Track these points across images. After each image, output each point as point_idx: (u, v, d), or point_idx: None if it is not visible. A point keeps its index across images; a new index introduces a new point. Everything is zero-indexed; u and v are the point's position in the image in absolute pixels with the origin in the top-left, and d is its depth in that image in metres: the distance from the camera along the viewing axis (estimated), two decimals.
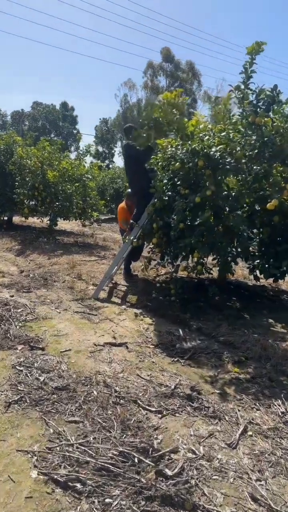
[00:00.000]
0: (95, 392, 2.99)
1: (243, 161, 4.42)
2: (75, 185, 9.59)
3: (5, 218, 12.01)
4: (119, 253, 5.48)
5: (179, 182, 4.92)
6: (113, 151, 47.75)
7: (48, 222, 10.09)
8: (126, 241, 5.30)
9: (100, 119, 50.30)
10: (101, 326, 4.41)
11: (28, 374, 3.22)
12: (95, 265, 7.13)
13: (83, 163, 10.04)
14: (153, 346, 3.94)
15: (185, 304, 5.01)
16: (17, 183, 9.85)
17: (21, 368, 3.32)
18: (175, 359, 3.69)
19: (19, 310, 4.67)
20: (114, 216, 16.98)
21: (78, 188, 9.70)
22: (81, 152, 10.37)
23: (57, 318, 4.57)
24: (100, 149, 46.17)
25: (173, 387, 3.13)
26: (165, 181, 5.12)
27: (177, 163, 4.55)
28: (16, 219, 13.17)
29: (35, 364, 3.39)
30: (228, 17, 58.63)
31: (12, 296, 5.30)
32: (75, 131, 55.30)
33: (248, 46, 4.30)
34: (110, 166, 36.58)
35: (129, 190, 6.58)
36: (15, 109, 57.21)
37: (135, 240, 5.26)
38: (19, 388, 3.01)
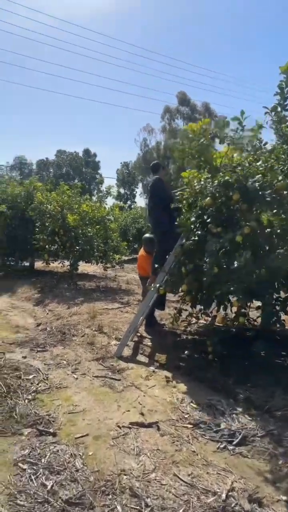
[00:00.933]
0: (119, 508, 2.20)
1: (286, 192, 3.73)
2: (96, 228, 9.12)
3: (27, 264, 11.62)
4: (144, 302, 4.78)
5: (209, 220, 4.26)
6: (134, 192, 48.38)
7: (69, 267, 9.58)
8: (152, 289, 4.59)
9: (121, 163, 51.56)
10: (126, 396, 3.63)
11: (33, 477, 2.47)
12: (118, 314, 6.42)
13: (104, 205, 9.64)
14: (191, 426, 3.12)
15: (225, 363, 4.18)
16: (37, 229, 9.49)
17: (25, 466, 2.58)
18: (222, 445, 2.86)
19: (30, 377, 3.97)
20: (137, 256, 16.47)
21: (99, 231, 9.22)
22: (101, 194, 10.00)
23: (74, 386, 3.83)
24: (122, 191, 46.86)
25: (224, 496, 2.29)
26: (193, 219, 4.47)
27: (208, 198, 3.91)
28: (39, 264, 12.78)
29: (43, 460, 2.64)
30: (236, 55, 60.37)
31: (25, 357, 4.63)
32: (97, 176, 56.70)
33: (281, 66, 3.74)
34: (132, 206, 36.71)
35: (147, 235, 5.96)
36: (40, 157, 59.56)
37: (161, 287, 4.56)
38: (18, 501, 2.26)
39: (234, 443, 2.88)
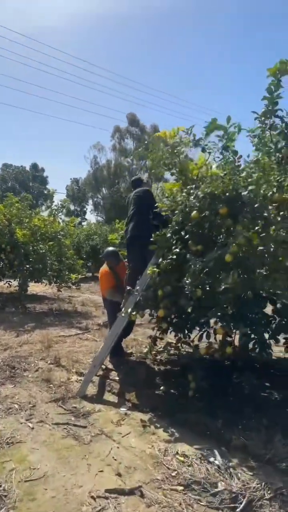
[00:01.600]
0: None
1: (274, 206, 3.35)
2: (49, 244, 8.33)
3: None
4: (113, 330, 4.13)
5: (187, 236, 3.77)
6: (84, 209, 47.61)
7: (17, 287, 8.64)
8: (123, 314, 3.96)
9: (71, 179, 50.64)
10: (96, 449, 2.95)
11: None
12: (76, 342, 5.69)
13: (58, 219, 8.88)
14: (182, 488, 2.52)
15: (208, 399, 3.64)
16: None
17: None
18: None
19: None
20: (91, 274, 15.67)
21: (52, 247, 8.44)
22: (55, 207, 9.24)
23: (30, 440, 3.08)
24: (72, 207, 45.88)
25: None
26: (168, 235, 3.96)
27: (194, 212, 3.42)
28: None
29: None
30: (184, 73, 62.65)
31: None
32: (45, 191, 55.14)
33: (269, 67, 3.41)
34: (83, 223, 35.85)
35: (110, 248, 5.34)
36: None
37: (133, 313, 3.95)
38: None
39: (238, 510, 2.31)
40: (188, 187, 3.66)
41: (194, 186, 3.58)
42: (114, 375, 4.47)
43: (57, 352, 5.09)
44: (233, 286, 3.11)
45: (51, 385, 4.19)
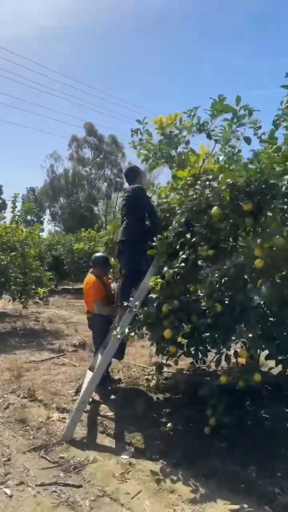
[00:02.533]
0: None
1: None
2: (11, 255, 7.39)
3: None
4: (105, 356, 3.37)
5: (193, 239, 3.15)
6: (42, 219, 45.96)
7: None
8: (118, 336, 3.21)
9: (26, 188, 48.88)
10: None
11: None
12: (52, 368, 4.84)
13: (21, 227, 7.94)
14: None
15: (232, 438, 2.98)
16: None
17: None
18: None
19: None
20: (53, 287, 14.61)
21: (15, 258, 7.50)
22: (18, 214, 8.27)
23: None
24: (28, 217, 44.14)
25: None
26: (170, 238, 3.32)
27: (215, 208, 2.78)
28: None
29: None
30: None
31: None
32: None
33: None
34: (40, 234, 34.38)
35: (99, 253, 4.63)
36: None
37: (131, 334, 3.23)
38: None
39: None
40: (203, 178, 3.03)
41: (210, 177, 2.96)
42: (105, 409, 3.70)
43: (31, 383, 4.23)
44: (266, 299, 2.51)
45: (28, 427, 3.36)
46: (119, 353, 4.04)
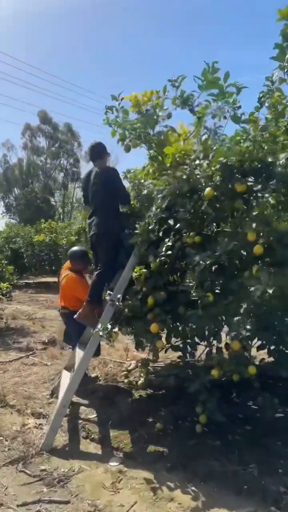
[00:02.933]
0: None
1: None
2: None
3: None
4: (86, 354, 3.09)
5: (177, 225, 2.93)
6: None
7: None
8: (101, 333, 2.93)
9: None
10: None
11: None
12: (22, 370, 4.48)
13: None
14: None
15: (225, 435, 2.83)
16: None
17: None
18: None
19: None
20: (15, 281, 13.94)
21: None
22: None
23: None
24: None
25: None
26: (151, 226, 3.08)
27: (208, 189, 2.55)
28: None
29: None
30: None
31: None
32: None
33: (281, 9, 2.68)
34: None
35: (76, 248, 4.27)
36: None
37: (115, 330, 2.96)
38: None
39: None
40: (192, 157, 2.79)
41: (201, 155, 2.73)
42: (85, 411, 3.43)
43: (1, 386, 3.87)
44: (267, 287, 2.34)
45: (1, 438, 3.03)
46: (96, 350, 3.76)
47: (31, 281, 14.29)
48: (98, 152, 3.51)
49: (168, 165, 3.00)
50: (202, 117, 3.02)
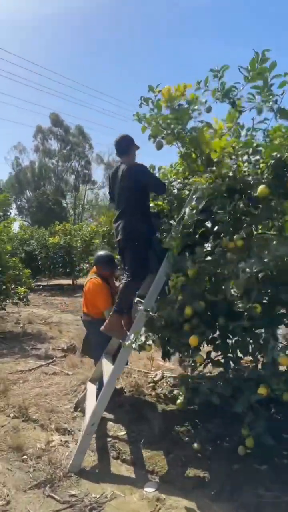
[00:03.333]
0: None
1: None
2: None
3: None
4: (116, 368, 2.86)
5: (216, 228, 2.69)
6: (8, 214, 44.18)
7: None
8: (134, 346, 2.70)
9: None
10: None
11: None
12: (42, 379, 4.27)
13: None
14: None
15: (272, 457, 2.58)
16: None
17: None
18: None
19: None
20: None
21: None
22: None
23: None
24: None
25: None
26: (186, 228, 2.84)
27: (262, 187, 2.30)
28: None
29: None
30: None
31: None
32: None
33: None
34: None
35: (102, 252, 3.97)
36: None
37: (149, 342, 2.73)
38: None
39: None
40: (240, 152, 2.54)
41: (250, 150, 2.48)
42: (113, 428, 3.20)
43: (21, 398, 3.66)
44: None
45: (25, 457, 2.82)
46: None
47: (45, 284, 14.16)
48: (124, 146, 3.23)
49: (215, 160, 2.73)
50: (242, 111, 2.78)
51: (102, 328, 3.20)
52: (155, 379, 4.11)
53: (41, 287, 13.34)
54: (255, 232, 2.93)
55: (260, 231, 2.93)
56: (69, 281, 13.60)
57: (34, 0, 51.11)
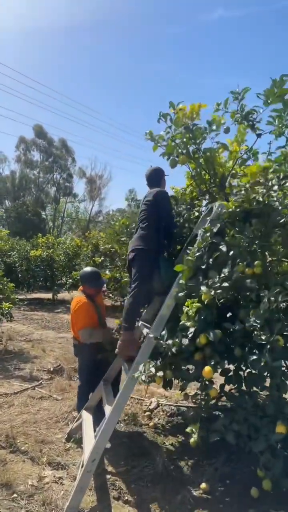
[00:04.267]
0: None
1: None
2: None
3: None
4: (119, 400, 2.64)
5: (231, 253, 2.58)
6: None
7: None
8: (143, 378, 2.50)
9: None
10: None
11: None
12: (30, 404, 3.97)
13: None
14: None
15: (283, 498, 2.41)
16: None
17: None
18: None
19: None
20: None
21: None
22: None
23: None
24: None
25: None
26: (197, 253, 2.72)
27: None
28: None
29: None
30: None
31: None
32: None
33: None
34: None
35: (88, 268, 3.75)
36: None
37: (160, 373, 2.55)
38: None
39: None
40: (270, 176, 2.43)
41: (281, 175, 2.37)
42: (111, 463, 2.96)
43: (8, 426, 3.37)
44: None
45: (16, 496, 2.54)
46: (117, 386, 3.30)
47: (23, 297, 13.68)
48: (156, 180, 3.22)
49: (245, 184, 2.62)
50: (260, 134, 2.71)
51: (116, 351, 3.01)
52: (150, 407, 3.90)
53: (18, 300, 12.87)
54: (269, 259, 2.87)
55: (274, 258, 2.85)
56: (49, 295, 13.19)
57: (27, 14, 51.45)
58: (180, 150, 2.95)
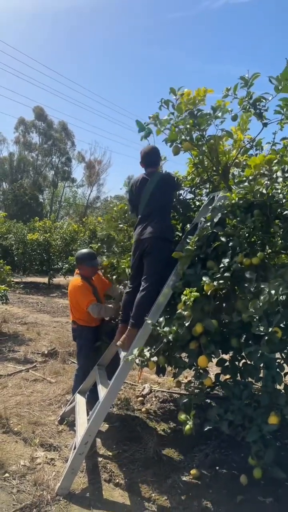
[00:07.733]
0: None
1: None
2: None
3: None
4: (114, 383, 2.65)
5: (231, 244, 2.58)
6: None
7: None
8: (137, 361, 2.52)
9: None
10: None
11: None
12: (24, 386, 3.99)
13: None
14: None
15: (271, 486, 2.46)
16: None
17: None
18: None
19: None
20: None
21: None
22: None
23: None
24: None
25: None
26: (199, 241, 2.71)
27: None
28: None
29: None
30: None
31: None
32: None
33: None
34: None
35: (83, 250, 3.68)
36: None
37: (154, 358, 2.57)
38: None
39: None
40: (275, 168, 2.40)
41: (286, 167, 2.34)
42: (104, 446, 2.99)
43: (1, 407, 3.39)
44: None
45: (8, 475, 2.57)
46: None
47: (19, 280, 13.67)
48: (154, 160, 3.07)
49: (250, 177, 2.59)
50: (267, 123, 2.68)
51: (118, 343, 2.94)
52: (143, 393, 3.93)
53: (14, 283, 12.85)
54: (269, 251, 2.87)
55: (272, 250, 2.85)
56: (45, 280, 13.19)
57: None
58: (183, 137, 2.90)
